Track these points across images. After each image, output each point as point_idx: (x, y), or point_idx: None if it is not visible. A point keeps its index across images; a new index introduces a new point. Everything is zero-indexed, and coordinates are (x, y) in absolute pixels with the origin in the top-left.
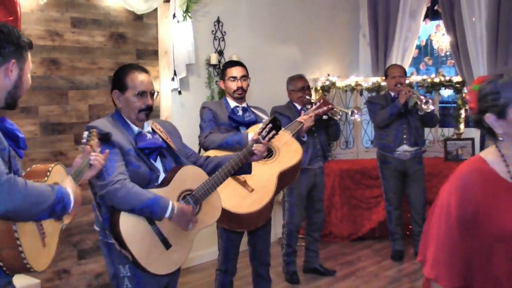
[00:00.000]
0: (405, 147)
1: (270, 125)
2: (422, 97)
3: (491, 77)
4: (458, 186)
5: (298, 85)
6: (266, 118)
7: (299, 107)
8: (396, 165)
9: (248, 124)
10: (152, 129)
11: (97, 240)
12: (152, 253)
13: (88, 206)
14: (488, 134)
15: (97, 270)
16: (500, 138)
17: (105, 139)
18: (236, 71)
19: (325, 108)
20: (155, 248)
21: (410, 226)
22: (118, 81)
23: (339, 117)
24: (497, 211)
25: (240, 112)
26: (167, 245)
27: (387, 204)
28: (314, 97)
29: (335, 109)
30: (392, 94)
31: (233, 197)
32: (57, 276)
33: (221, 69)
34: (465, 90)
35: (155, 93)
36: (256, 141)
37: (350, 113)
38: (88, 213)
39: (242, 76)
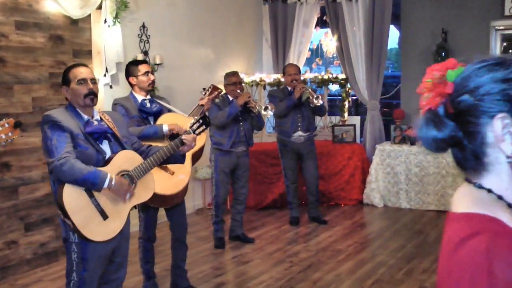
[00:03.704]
0: (299, 133)
1: (200, 121)
2: (314, 93)
3: (485, 60)
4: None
5: (232, 80)
6: (168, 106)
7: (231, 98)
8: (292, 147)
9: (155, 114)
10: (101, 117)
11: (41, 214)
12: (90, 223)
13: (33, 185)
14: (467, 160)
15: (41, 240)
16: (508, 161)
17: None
18: (147, 67)
19: (216, 92)
20: (94, 218)
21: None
22: (64, 78)
23: (255, 110)
24: None
25: (148, 104)
26: (104, 216)
27: (286, 179)
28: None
29: (253, 103)
30: (289, 88)
31: (158, 181)
32: (6, 246)
33: (129, 66)
34: (348, 85)
35: (96, 81)
36: (187, 133)
37: (263, 108)
38: (34, 191)
39: (152, 71)
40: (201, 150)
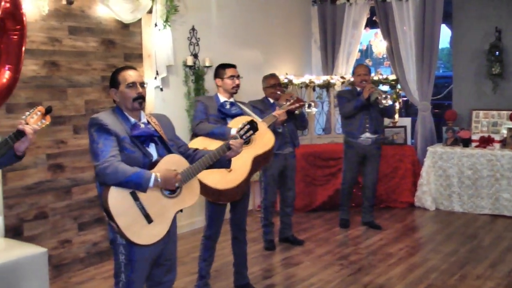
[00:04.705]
0: (367, 134)
1: (248, 126)
2: (382, 93)
3: None
4: None
5: (270, 82)
6: (248, 111)
7: (272, 101)
8: (358, 149)
9: (234, 116)
10: (148, 120)
11: (93, 214)
12: (135, 226)
13: (85, 186)
14: None
15: (94, 239)
16: None
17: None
18: (234, 72)
19: (297, 105)
20: (138, 221)
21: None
22: (113, 81)
23: (299, 110)
24: None
25: (228, 106)
26: (149, 219)
27: (343, 182)
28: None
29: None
30: (358, 89)
31: (215, 175)
32: (61, 245)
33: (218, 68)
34: (398, 86)
35: (145, 84)
36: (234, 138)
37: (307, 106)
38: (86, 192)
39: (238, 75)
40: (265, 154)
